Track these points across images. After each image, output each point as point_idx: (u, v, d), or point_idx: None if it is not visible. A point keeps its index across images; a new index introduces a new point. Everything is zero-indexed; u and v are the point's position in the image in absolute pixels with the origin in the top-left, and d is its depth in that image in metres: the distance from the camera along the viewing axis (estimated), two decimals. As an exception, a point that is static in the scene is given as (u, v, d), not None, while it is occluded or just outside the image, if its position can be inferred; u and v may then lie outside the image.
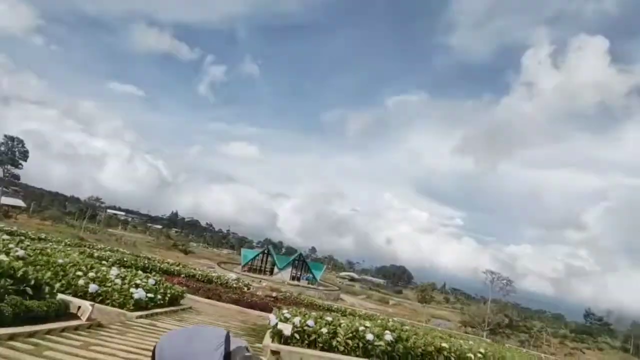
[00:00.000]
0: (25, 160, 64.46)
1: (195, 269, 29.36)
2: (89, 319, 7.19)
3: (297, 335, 8.45)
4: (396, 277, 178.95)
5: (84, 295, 8.39)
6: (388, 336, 8.98)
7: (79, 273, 8.94)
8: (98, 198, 76.94)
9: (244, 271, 63.63)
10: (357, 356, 8.65)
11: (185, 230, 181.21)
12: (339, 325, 9.26)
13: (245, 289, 27.90)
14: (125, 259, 21.63)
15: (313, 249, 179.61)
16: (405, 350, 9.09)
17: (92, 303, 7.67)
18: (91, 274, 8.93)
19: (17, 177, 65.81)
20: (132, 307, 8.56)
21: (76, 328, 6.69)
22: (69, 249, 19.86)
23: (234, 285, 25.82)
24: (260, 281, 54.33)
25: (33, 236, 23.19)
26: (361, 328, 9.19)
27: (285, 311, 9.96)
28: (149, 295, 9.65)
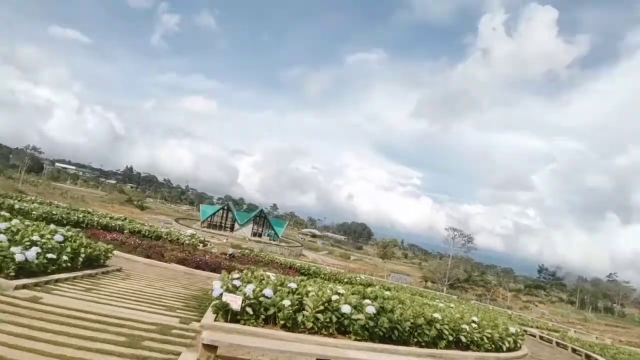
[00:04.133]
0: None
1: (143, 224, 26.48)
2: None
3: (249, 310, 6.18)
4: (357, 234, 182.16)
5: None
6: (370, 308, 6.89)
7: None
8: (35, 147, 70.22)
9: (204, 227, 61.40)
10: (330, 334, 6.55)
11: (142, 185, 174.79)
12: (306, 294, 7.07)
13: (201, 245, 25.50)
14: (54, 213, 18.53)
15: (275, 206, 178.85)
16: (391, 324, 7.07)
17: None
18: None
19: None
20: (12, 273, 5.94)
21: None
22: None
23: (186, 242, 23.26)
24: (222, 238, 52.36)
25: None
26: (334, 297, 7.04)
27: (235, 276, 7.65)
28: (49, 255, 7.02)
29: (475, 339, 8.49)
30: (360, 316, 6.79)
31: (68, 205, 29.08)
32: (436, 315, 8.03)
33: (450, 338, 8.03)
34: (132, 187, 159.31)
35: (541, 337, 20.42)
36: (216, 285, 6.62)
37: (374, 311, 6.92)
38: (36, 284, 6.17)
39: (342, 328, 6.83)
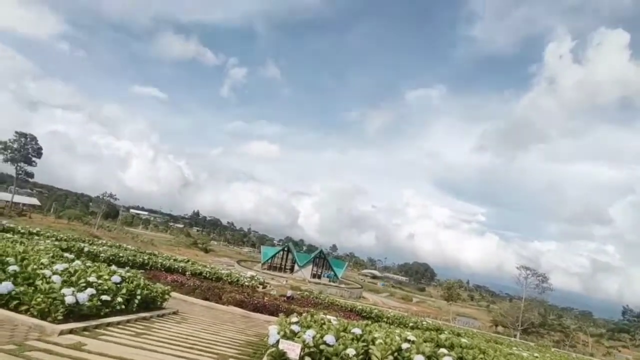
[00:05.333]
0: (39, 157, 63.01)
1: (205, 266, 26.76)
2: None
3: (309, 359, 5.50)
4: (419, 274, 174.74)
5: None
6: (447, 359, 5.91)
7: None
8: (112, 194, 75.35)
9: (264, 269, 61.58)
10: (401, 390, 5.65)
11: (207, 228, 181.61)
12: (372, 342, 6.26)
13: (260, 287, 25.18)
14: (121, 255, 19.15)
15: (334, 247, 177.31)
16: (473, 379, 6.03)
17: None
18: (12, 268, 6.21)
19: (31, 175, 64.42)
20: (60, 316, 5.72)
21: None
22: (49, 242, 17.47)
23: (246, 283, 23.04)
24: (281, 279, 52.06)
25: (23, 231, 20.97)
26: (404, 345, 6.16)
27: (294, 319, 7.03)
28: (104, 297, 6.85)
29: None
30: (437, 368, 5.85)
31: (136, 248, 30.28)
32: (526, 368, 6.82)
33: (545, 397, 6.77)
34: (197, 230, 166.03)
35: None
36: (272, 331, 6.03)
37: (452, 363, 5.94)
38: (85, 329, 5.90)
39: (415, 383, 5.91)
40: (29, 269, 6.62)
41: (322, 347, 5.75)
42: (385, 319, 22.33)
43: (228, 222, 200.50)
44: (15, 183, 64.67)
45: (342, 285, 62.77)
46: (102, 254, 17.73)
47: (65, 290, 5.92)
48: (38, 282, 6.14)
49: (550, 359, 9.91)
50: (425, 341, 6.91)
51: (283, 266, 67.36)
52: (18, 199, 70.46)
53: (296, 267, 65.07)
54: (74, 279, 6.95)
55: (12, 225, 22.22)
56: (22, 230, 20.98)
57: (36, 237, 19.02)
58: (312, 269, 64.62)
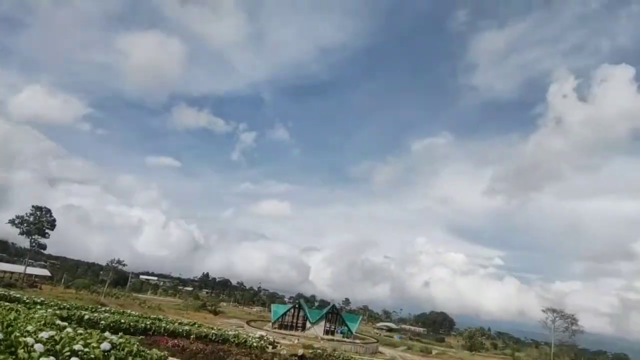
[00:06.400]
0: (53, 229, 64.29)
1: (211, 328, 25.90)
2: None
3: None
4: (437, 324, 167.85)
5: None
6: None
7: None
8: (119, 261, 75.08)
9: (274, 328, 59.51)
10: None
11: (216, 290, 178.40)
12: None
13: (270, 347, 24.15)
14: (122, 321, 18.64)
15: (347, 301, 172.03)
16: None
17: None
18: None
19: (44, 247, 65.31)
20: None
21: None
22: (50, 310, 17.09)
23: (254, 344, 22.16)
24: (293, 338, 50.00)
25: (28, 301, 20.72)
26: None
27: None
28: (91, 368, 6.55)
29: None
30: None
31: (141, 313, 29.56)
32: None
33: None
34: (207, 292, 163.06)
35: None
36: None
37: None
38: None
39: None
40: (12, 336, 6.39)
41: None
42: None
43: (238, 282, 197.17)
44: (28, 255, 65.44)
45: (357, 341, 60.19)
46: (102, 321, 17.29)
47: (43, 360, 5.65)
48: (20, 351, 5.89)
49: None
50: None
51: (294, 324, 65.08)
52: (30, 270, 70.81)
53: (308, 325, 62.80)
54: (58, 347, 6.70)
55: (17, 295, 22.09)
56: (27, 300, 20.76)
57: (38, 307, 18.66)
58: (324, 325, 62.30)
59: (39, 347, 6.02)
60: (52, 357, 5.77)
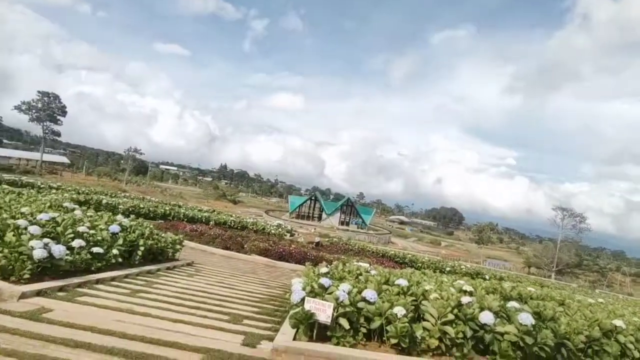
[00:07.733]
0: (64, 116, 62.95)
1: (230, 215, 26.11)
2: None
3: (344, 322, 4.21)
4: (447, 219, 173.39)
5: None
6: (525, 317, 4.51)
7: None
8: (136, 149, 75.64)
9: (292, 218, 61.59)
10: (464, 356, 4.35)
11: (235, 181, 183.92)
12: (423, 295, 4.92)
13: (288, 235, 24.43)
14: (141, 207, 18.43)
15: (361, 195, 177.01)
16: (557, 339, 4.64)
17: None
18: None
19: (58, 134, 64.62)
20: (27, 274, 4.50)
21: None
22: (67, 195, 16.76)
23: (272, 231, 22.23)
24: (310, 227, 51.81)
25: (43, 186, 20.47)
26: (465, 299, 4.79)
27: (323, 269, 5.75)
28: (95, 249, 5.73)
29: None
30: (511, 328, 4.48)
31: (160, 200, 29.86)
32: (617, 322, 5.37)
33: (637, 355, 5.35)
34: (226, 183, 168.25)
35: None
36: (296, 286, 4.75)
37: (532, 321, 4.54)
38: (61, 288, 4.73)
39: (480, 346, 4.60)
40: (-1, 218, 5.48)
41: (360, 304, 4.45)
42: (419, 264, 21.29)
43: (255, 174, 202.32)
44: (43, 142, 65.17)
45: (371, 232, 62.36)
46: (120, 206, 17.01)
47: (33, 243, 4.73)
48: (9, 234, 4.98)
49: (617, 305, 8.50)
50: (487, 293, 5.53)
51: (311, 215, 67.21)
52: (47, 157, 71.39)
53: (324, 216, 64.75)
54: (59, 229, 5.82)
55: (31, 181, 21.81)
56: (42, 185, 20.50)
57: (53, 191, 18.42)
58: (340, 217, 64.21)
59: (34, 229, 5.11)
60: (45, 240, 4.89)
